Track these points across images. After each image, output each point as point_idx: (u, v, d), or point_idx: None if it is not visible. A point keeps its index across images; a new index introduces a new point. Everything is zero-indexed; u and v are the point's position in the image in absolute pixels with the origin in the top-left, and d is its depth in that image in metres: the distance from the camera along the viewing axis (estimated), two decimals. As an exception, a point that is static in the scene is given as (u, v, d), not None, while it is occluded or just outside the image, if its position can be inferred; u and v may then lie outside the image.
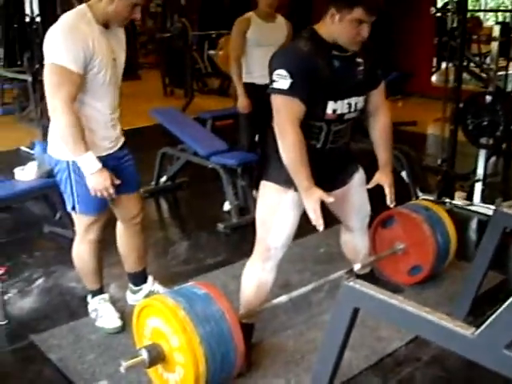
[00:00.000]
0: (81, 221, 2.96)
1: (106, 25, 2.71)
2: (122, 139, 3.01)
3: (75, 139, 2.60)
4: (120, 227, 3.21)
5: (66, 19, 2.62)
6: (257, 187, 2.87)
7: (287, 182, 2.64)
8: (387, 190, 2.86)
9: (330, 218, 2.55)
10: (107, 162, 2.80)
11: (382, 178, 2.89)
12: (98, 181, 2.67)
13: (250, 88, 4.68)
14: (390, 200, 2.87)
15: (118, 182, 2.76)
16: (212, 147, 4.76)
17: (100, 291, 3.20)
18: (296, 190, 2.64)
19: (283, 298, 2.94)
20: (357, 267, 3.19)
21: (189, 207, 5.33)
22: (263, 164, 2.78)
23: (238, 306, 2.89)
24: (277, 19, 4.78)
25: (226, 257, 4.07)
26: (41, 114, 6.91)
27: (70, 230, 4.27)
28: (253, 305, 2.84)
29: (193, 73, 9.90)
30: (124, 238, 3.22)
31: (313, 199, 2.51)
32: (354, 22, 2.46)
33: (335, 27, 2.50)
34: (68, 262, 3.29)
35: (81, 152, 2.62)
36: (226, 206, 4.79)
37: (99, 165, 2.66)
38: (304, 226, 2.83)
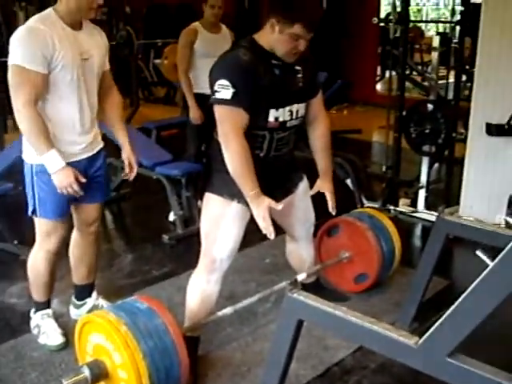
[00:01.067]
0: (41, 227, 2.91)
1: (76, 25, 2.69)
2: (98, 146, 2.97)
3: (37, 137, 2.59)
4: (75, 235, 3.16)
5: (28, 22, 2.62)
6: (201, 198, 2.84)
7: (231, 193, 2.62)
8: (328, 197, 2.88)
9: (275, 227, 2.53)
10: (77, 168, 2.76)
11: (323, 185, 2.91)
12: (62, 178, 2.65)
13: (199, 98, 4.65)
14: (331, 207, 2.88)
15: (83, 180, 2.72)
16: (156, 158, 4.71)
17: (45, 305, 3.11)
18: (240, 201, 2.63)
19: (228, 310, 2.90)
20: (302, 276, 3.19)
21: (133, 218, 5.26)
22: (207, 175, 2.75)
23: (184, 318, 2.84)
24: (222, 30, 4.79)
25: (171, 268, 4.02)
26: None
27: (9, 244, 4.18)
28: (198, 317, 2.80)
29: (138, 82, 9.82)
30: (77, 246, 3.17)
31: (261, 207, 2.49)
32: (293, 36, 2.47)
33: (274, 37, 2.51)
34: (8, 277, 3.20)
35: (43, 150, 2.60)
36: (171, 217, 4.74)
37: (62, 163, 2.63)
38: (249, 237, 2.82)
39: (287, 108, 2.61)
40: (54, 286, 3.14)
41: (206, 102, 4.51)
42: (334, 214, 2.92)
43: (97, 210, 3.09)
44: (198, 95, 4.67)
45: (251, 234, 2.79)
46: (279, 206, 2.52)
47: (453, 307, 1.64)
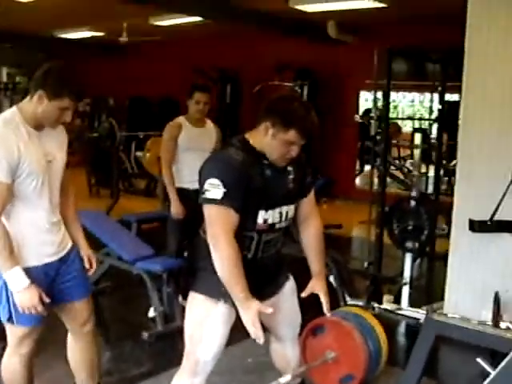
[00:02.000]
0: (14, 333, 2.78)
1: (38, 126, 2.64)
2: (68, 244, 2.88)
3: (1, 253, 2.51)
4: (70, 339, 3.02)
5: None
6: (183, 296, 2.77)
7: (217, 293, 2.55)
8: (323, 299, 2.78)
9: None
10: (47, 271, 2.70)
11: (317, 285, 2.81)
12: (25, 298, 2.56)
13: (181, 193, 4.64)
14: (326, 308, 2.79)
15: (47, 300, 2.63)
16: (137, 252, 4.64)
17: None
18: (226, 301, 2.56)
19: (212, 415, 2.77)
20: (287, 378, 3.07)
21: (112, 314, 5.12)
22: (192, 274, 2.68)
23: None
24: (206, 124, 4.84)
25: (150, 367, 3.91)
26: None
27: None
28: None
29: (119, 173, 9.86)
30: (74, 351, 3.03)
31: (251, 312, 2.42)
32: (287, 142, 2.47)
33: (267, 140, 2.50)
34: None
35: (7, 267, 2.52)
36: (151, 313, 4.62)
37: (27, 281, 2.55)
38: (231, 335, 2.71)
39: (277, 210, 2.58)
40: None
41: (187, 197, 4.57)
42: (329, 315, 2.85)
43: (85, 306, 2.95)
44: (180, 190, 4.66)
45: (234, 330, 2.69)
46: (269, 310, 2.46)
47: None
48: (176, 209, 4.59)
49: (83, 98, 2.74)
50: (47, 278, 2.70)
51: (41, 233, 2.70)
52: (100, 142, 9.47)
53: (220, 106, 11.04)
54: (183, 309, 3.82)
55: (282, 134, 2.45)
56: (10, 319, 2.71)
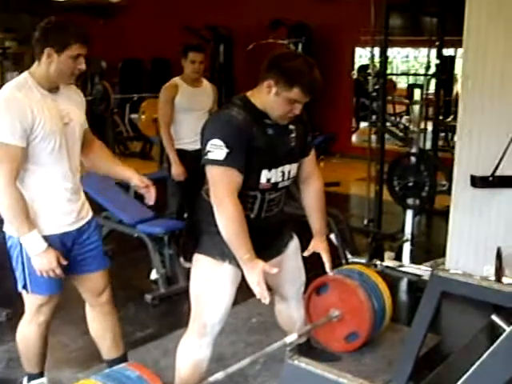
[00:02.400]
0: (32, 301, 2.75)
1: (53, 88, 2.57)
2: (88, 215, 2.82)
3: (18, 218, 2.47)
4: (88, 311, 2.99)
5: (5, 91, 2.49)
6: (185, 257, 2.75)
7: (222, 254, 2.55)
8: (325, 257, 2.79)
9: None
10: (64, 241, 2.65)
11: (318, 245, 2.83)
12: (43, 262, 2.53)
13: (180, 154, 4.61)
14: (328, 268, 2.80)
15: (64, 262, 2.59)
16: (138, 215, 4.61)
17: (39, 375, 2.96)
18: (231, 262, 2.55)
19: (220, 375, 2.78)
20: (293, 337, 3.08)
21: (114, 278, 5.00)
22: (195, 236, 2.66)
23: (171, 383, 2.72)
24: (203, 84, 4.77)
25: (155, 329, 3.90)
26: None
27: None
28: (189, 383, 2.69)
29: (114, 136, 9.78)
30: (94, 322, 2.99)
31: (256, 272, 2.42)
32: (290, 100, 2.44)
33: (270, 99, 2.46)
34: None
35: (24, 231, 2.49)
36: (153, 275, 4.63)
37: (44, 245, 2.52)
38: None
39: (279, 169, 2.56)
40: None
41: (187, 158, 4.54)
42: (331, 274, 2.85)
43: (102, 277, 2.89)
44: (179, 151, 4.62)
45: (237, 291, 2.69)
46: (274, 270, 2.45)
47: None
48: (177, 170, 4.56)
49: (89, 40, 2.64)
50: (64, 248, 2.64)
51: (58, 201, 2.63)
52: (94, 105, 9.37)
53: (213, 66, 10.91)
54: (186, 270, 3.85)
55: (285, 91, 2.42)
56: (24, 287, 2.68)
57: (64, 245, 2.66)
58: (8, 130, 2.40)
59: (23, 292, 2.73)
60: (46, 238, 2.57)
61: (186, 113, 4.59)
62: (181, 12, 11.12)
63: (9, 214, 2.48)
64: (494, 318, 2.77)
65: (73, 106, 2.69)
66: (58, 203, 2.63)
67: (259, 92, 2.50)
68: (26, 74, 2.55)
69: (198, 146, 4.41)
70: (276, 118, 2.50)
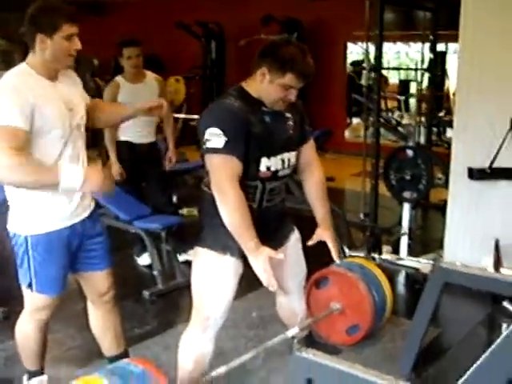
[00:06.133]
0: (34, 300, 2.70)
1: (52, 77, 2.53)
2: (90, 206, 2.75)
3: (39, 173, 2.35)
4: (90, 307, 2.95)
5: (4, 80, 2.45)
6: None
7: (224, 247, 2.52)
8: (331, 245, 2.75)
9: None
10: (71, 238, 2.61)
11: (323, 233, 2.78)
12: (92, 181, 2.37)
13: (126, 145, 4.73)
14: (335, 254, 2.76)
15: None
16: (134, 212, 4.57)
17: (39, 372, 2.93)
18: (233, 255, 2.53)
19: (221, 370, 2.77)
20: (295, 331, 3.07)
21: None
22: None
23: (173, 378, 2.69)
24: (146, 78, 4.81)
25: (154, 325, 3.89)
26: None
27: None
28: (192, 378, 2.67)
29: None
30: (95, 318, 2.96)
31: (261, 259, 2.37)
32: (284, 86, 2.42)
33: (264, 86, 2.45)
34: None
35: (55, 178, 2.32)
36: (143, 260, 4.81)
37: (78, 168, 2.41)
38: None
39: (279, 157, 2.54)
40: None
41: (132, 149, 4.69)
42: (338, 262, 2.82)
43: (106, 277, 2.85)
44: (124, 142, 4.73)
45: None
46: (279, 255, 2.42)
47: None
48: (116, 171, 4.61)
49: (78, 17, 2.58)
50: (70, 244, 2.59)
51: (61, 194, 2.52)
52: (86, 102, 9.31)
53: (205, 62, 10.88)
54: (183, 266, 3.83)
55: (279, 78, 2.41)
56: (29, 285, 2.64)
57: (70, 241, 2.61)
58: (10, 114, 2.33)
59: (27, 291, 2.68)
60: (50, 233, 2.53)
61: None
62: (172, 9, 11.08)
63: (29, 177, 2.33)
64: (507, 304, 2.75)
65: (74, 92, 2.65)
66: (61, 195, 2.53)
67: (253, 81, 2.49)
68: (23, 64, 2.52)
69: (142, 140, 4.69)
70: (271, 105, 2.49)
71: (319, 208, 2.82)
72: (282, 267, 2.82)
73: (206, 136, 2.39)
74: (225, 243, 2.51)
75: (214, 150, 2.38)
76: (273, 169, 2.53)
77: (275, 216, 2.71)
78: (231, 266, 2.57)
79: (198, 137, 2.46)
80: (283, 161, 2.57)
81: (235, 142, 2.38)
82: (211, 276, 2.59)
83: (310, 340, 3.31)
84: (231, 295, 2.63)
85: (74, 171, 2.37)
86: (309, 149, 2.78)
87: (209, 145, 2.39)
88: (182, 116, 10.31)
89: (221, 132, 2.36)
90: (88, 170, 2.43)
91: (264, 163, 2.50)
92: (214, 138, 2.37)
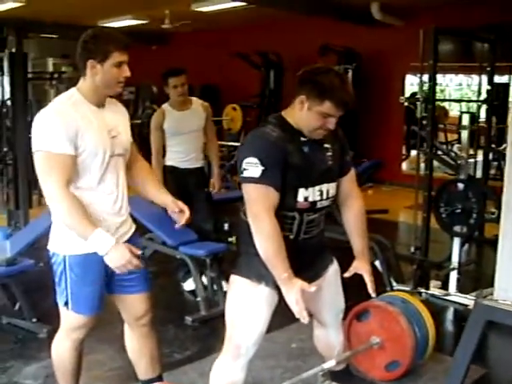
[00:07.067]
0: (71, 319, 2.74)
1: (100, 104, 2.60)
2: (131, 230, 2.80)
3: (79, 220, 2.43)
4: (126, 330, 2.96)
5: (52, 104, 2.53)
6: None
7: (258, 276, 2.50)
8: (367, 279, 2.67)
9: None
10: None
11: (360, 266, 2.71)
12: (116, 256, 2.44)
13: (170, 170, 4.84)
14: (371, 288, 2.70)
15: (138, 252, 2.54)
16: (180, 237, 4.60)
17: None
18: (268, 284, 2.51)
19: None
20: (331, 364, 3.01)
21: (155, 298, 5.07)
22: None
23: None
24: (192, 105, 4.87)
25: (193, 351, 3.89)
26: (7, 199, 6.77)
27: (29, 322, 4.07)
28: (223, 406, 2.64)
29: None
30: (132, 341, 2.95)
31: (294, 291, 2.35)
32: (323, 114, 2.41)
33: (303, 114, 2.44)
34: (26, 356, 3.06)
35: (88, 232, 2.41)
36: (188, 286, 4.88)
37: (112, 240, 2.45)
38: (274, 319, 2.66)
39: (317, 187, 2.51)
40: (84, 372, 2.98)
41: (175, 174, 4.78)
42: (374, 296, 2.75)
43: (144, 301, 2.84)
44: (169, 167, 4.86)
45: (277, 315, 2.64)
46: (312, 288, 2.39)
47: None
48: None
49: (130, 45, 2.63)
50: (107, 266, 2.55)
51: (107, 217, 2.60)
52: (143, 128, 9.49)
53: (263, 91, 10.96)
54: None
55: (317, 105, 2.39)
56: (66, 304, 2.68)
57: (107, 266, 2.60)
58: (56, 140, 2.41)
59: (63, 309, 2.72)
60: (87, 256, 2.55)
61: (175, 136, 4.79)
62: (232, 39, 11.26)
63: (69, 217, 2.43)
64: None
65: (119, 121, 2.71)
66: (108, 217, 2.61)
67: (293, 109, 2.49)
68: (73, 89, 2.59)
69: (187, 165, 4.78)
70: (310, 134, 2.47)
71: (357, 240, 2.77)
72: (319, 299, 2.78)
73: (244, 165, 2.39)
74: (259, 272, 2.49)
75: (251, 180, 2.38)
76: (311, 199, 2.50)
77: (313, 248, 2.67)
78: (265, 295, 2.54)
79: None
80: (321, 192, 2.54)
81: (272, 171, 2.37)
82: (244, 304, 2.57)
83: (348, 373, 3.24)
84: (264, 325, 2.60)
85: (104, 241, 2.43)
86: (349, 180, 2.74)
87: (246, 174, 2.39)
88: (238, 144, 10.40)
89: (258, 161, 2.36)
90: (118, 247, 2.46)
91: (301, 194, 2.47)
92: (251, 167, 2.37)
